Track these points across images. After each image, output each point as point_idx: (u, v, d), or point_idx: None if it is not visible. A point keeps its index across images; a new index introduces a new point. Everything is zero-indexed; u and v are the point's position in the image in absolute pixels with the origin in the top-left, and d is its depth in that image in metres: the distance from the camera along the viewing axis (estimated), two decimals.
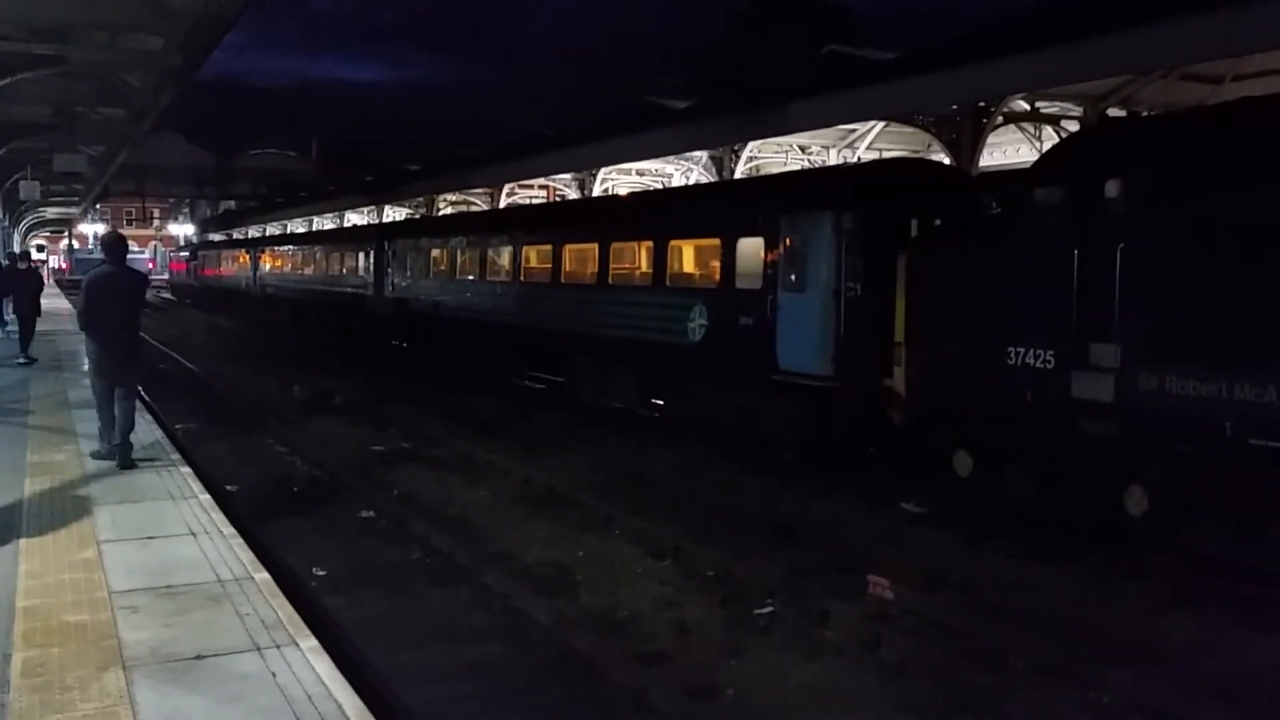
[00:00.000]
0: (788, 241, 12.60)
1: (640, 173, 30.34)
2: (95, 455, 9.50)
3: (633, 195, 25.33)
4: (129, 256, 9.88)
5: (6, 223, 35.19)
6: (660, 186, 29.63)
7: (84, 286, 9.57)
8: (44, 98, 19.44)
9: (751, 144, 23.64)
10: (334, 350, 28.13)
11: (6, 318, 24.64)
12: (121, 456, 9.26)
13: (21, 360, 17.42)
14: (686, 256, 15.72)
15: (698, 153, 25.30)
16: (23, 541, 6.73)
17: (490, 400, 18.35)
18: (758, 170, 25.05)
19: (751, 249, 13.29)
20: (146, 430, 11.39)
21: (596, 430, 15.23)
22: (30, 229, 60.12)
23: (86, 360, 10.25)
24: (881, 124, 22.03)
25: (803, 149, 24.57)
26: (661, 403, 15.54)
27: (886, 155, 22.80)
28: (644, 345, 15.31)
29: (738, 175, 24.25)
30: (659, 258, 15.38)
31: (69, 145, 24.95)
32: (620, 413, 16.20)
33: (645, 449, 13.80)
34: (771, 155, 24.87)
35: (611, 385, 16.58)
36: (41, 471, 8.99)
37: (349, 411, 17.44)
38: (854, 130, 22.87)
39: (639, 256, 16.53)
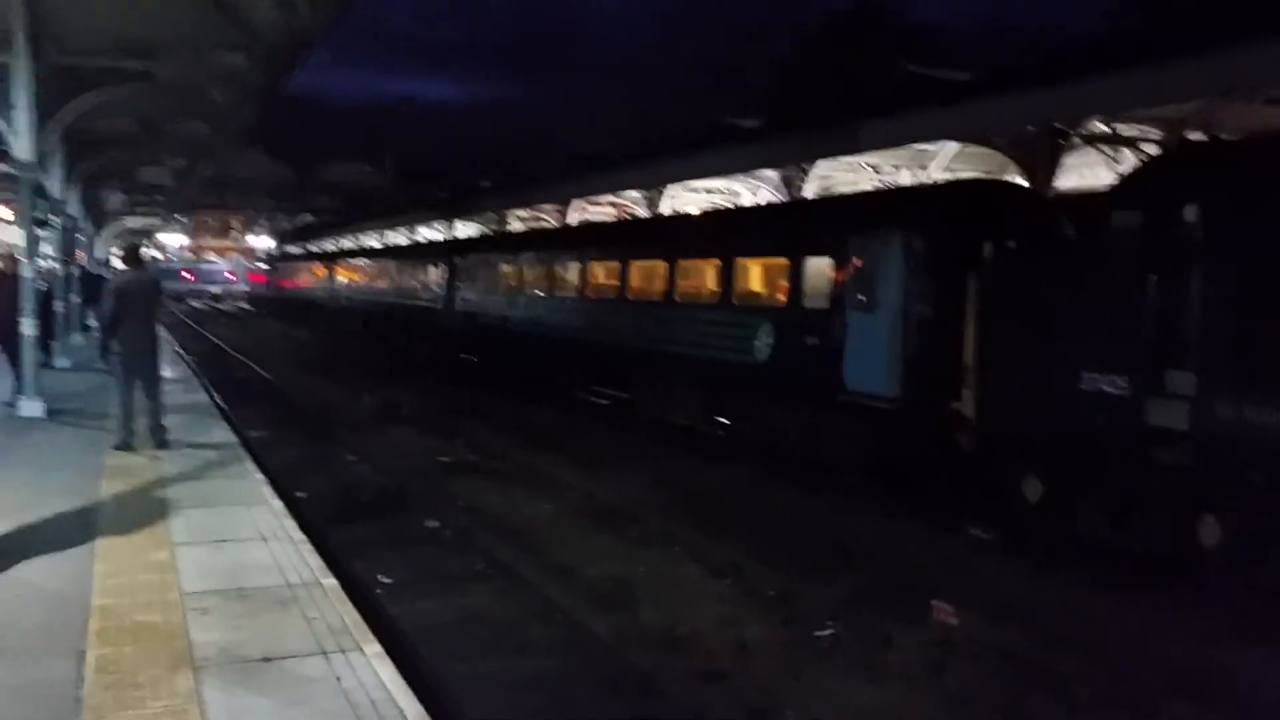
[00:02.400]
0: (857, 261, 12.52)
1: (709, 190, 30.34)
2: (117, 447, 10.44)
3: (701, 213, 25.33)
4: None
5: (90, 232, 36.32)
6: (729, 205, 29.59)
7: (109, 291, 11.02)
8: (131, 111, 20.05)
9: (822, 163, 23.51)
10: (404, 362, 28.55)
11: (89, 323, 25.49)
12: (156, 437, 10.65)
13: (103, 366, 17.90)
14: (754, 275, 15.70)
15: (767, 171, 25.24)
16: (99, 542, 6.95)
17: (555, 414, 18.47)
18: (828, 189, 24.91)
19: (820, 268, 13.24)
20: (221, 436, 11.69)
21: (659, 446, 15.24)
22: (113, 239, 61.97)
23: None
24: (956, 145, 21.76)
25: (875, 168, 24.35)
26: (725, 420, 15.50)
27: (960, 176, 22.50)
28: (709, 363, 15.31)
29: (808, 194, 24.13)
30: (726, 276, 15.38)
31: (153, 158, 25.74)
32: (683, 429, 16.18)
33: (708, 466, 13.77)
34: (842, 174, 24.70)
35: (675, 402, 16.59)
36: (118, 475, 9.28)
37: (417, 422, 17.68)
38: (927, 150, 22.61)
39: (706, 274, 16.55)
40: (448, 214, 44.82)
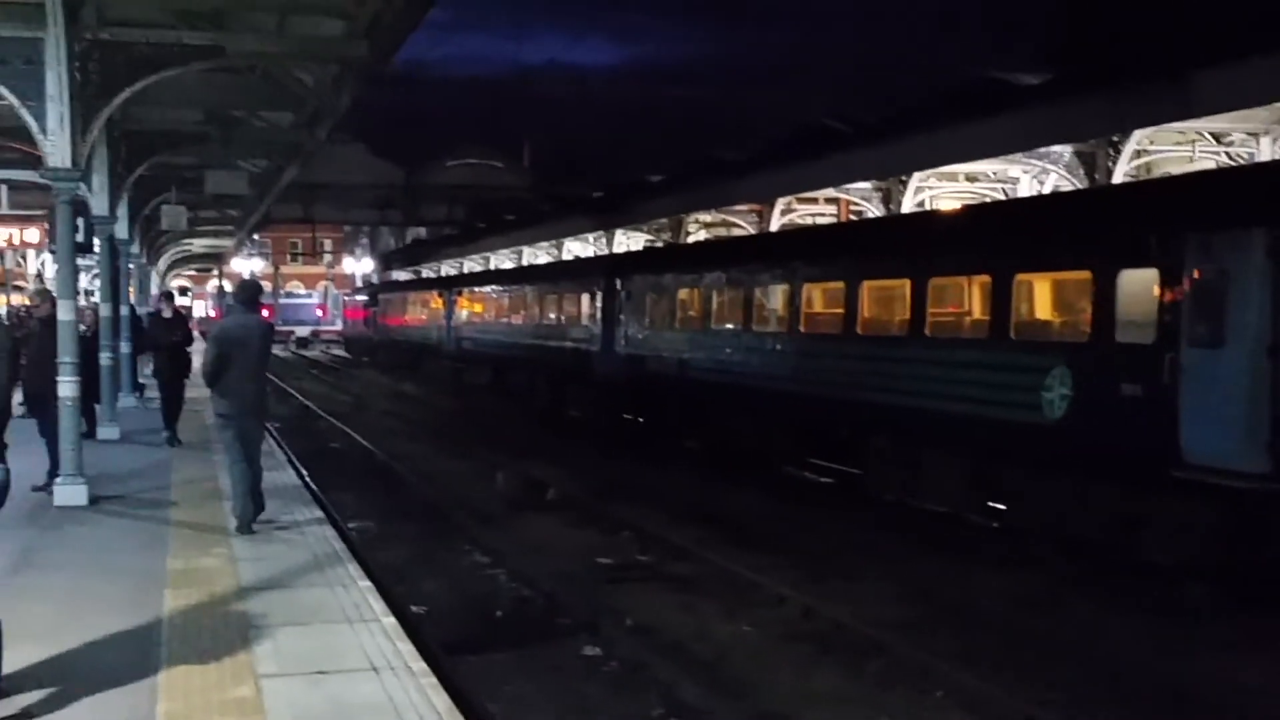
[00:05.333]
0: (1196, 274, 12.13)
1: (971, 178, 29.93)
2: (239, 529, 11.66)
3: (960, 211, 24.98)
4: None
5: (144, 259, 38.63)
6: (1001, 197, 29.11)
7: (212, 338, 12.26)
8: (195, 100, 21.30)
9: (1139, 133, 22.89)
10: (548, 425, 29.13)
11: (143, 380, 27.04)
12: (243, 517, 11.67)
13: (170, 438, 18.88)
14: (1039, 297, 15.44)
15: (1056, 148, 24.74)
16: (164, 674, 7.30)
17: (756, 496, 18.43)
18: (1148, 170, 24.19)
19: (1138, 285, 12.87)
20: (313, 528, 12.19)
21: (904, 542, 15.03)
22: (171, 266, 65.77)
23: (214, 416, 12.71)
24: None
25: (1217, 138, 23.54)
26: (999, 505, 15.17)
27: None
28: (975, 422, 15.03)
29: (1118, 178, 23.50)
30: (998, 299, 15.10)
31: (224, 160, 27.25)
32: (939, 518, 15.94)
33: (976, 571, 13.49)
34: (1169, 149, 23.98)
35: (927, 478, 16.33)
36: (186, 581, 9.77)
37: (568, 509, 17.97)
38: None
39: (969, 297, 16.35)
40: (603, 221, 45.71)
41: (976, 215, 21.76)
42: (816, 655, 10.73)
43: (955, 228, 18.80)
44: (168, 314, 21.22)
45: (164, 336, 20.37)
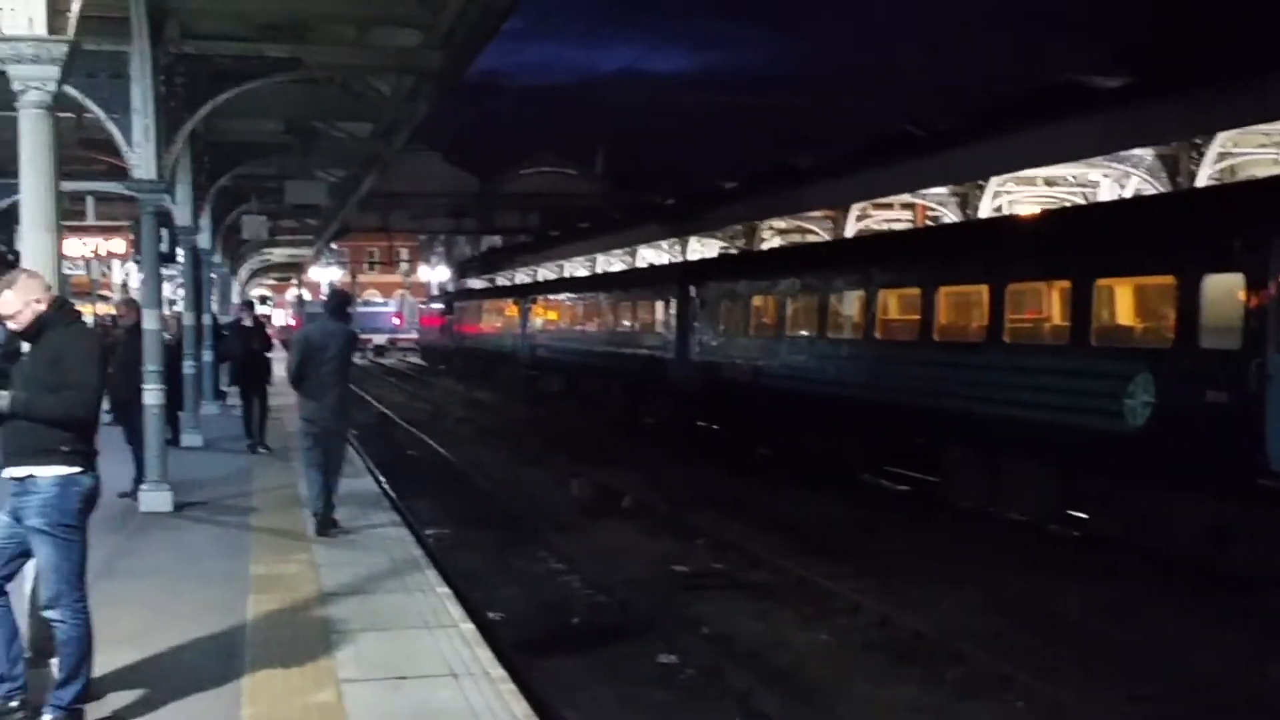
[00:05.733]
0: None
1: (1050, 182, 29.66)
2: (319, 532, 12.17)
3: (1038, 216, 24.74)
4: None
5: (226, 268, 39.20)
6: (1081, 202, 28.82)
7: (296, 340, 12.95)
8: (275, 111, 21.65)
9: (1222, 135, 22.59)
10: (622, 432, 29.18)
11: (224, 388, 27.44)
12: (321, 520, 12.16)
13: (251, 445, 19.21)
14: (1121, 302, 15.30)
15: (1137, 151, 24.46)
16: (247, 679, 7.42)
17: (831, 504, 18.36)
18: (1232, 173, 23.85)
19: (1223, 290, 12.71)
20: (392, 533, 12.33)
21: (983, 551, 14.88)
22: (252, 275, 66.69)
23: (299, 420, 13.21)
24: None
25: None
26: (1081, 514, 15.01)
27: None
28: (1055, 430, 14.90)
29: (1201, 181, 23.19)
30: (1079, 304, 14.97)
31: (303, 170, 27.66)
32: (1019, 526, 15.79)
33: (1058, 581, 13.31)
34: (1254, 151, 23.66)
35: (1006, 487, 16.18)
36: (268, 587, 9.92)
37: (642, 517, 18.00)
38: None
39: (1048, 303, 16.25)
40: (677, 228, 45.76)
41: (1056, 220, 21.57)
42: (894, 664, 10.68)
43: (1034, 232, 18.63)
44: (248, 322, 21.60)
45: (244, 345, 20.74)
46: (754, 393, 23.69)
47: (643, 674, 10.57)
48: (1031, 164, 26.54)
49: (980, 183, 28.99)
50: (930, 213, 34.25)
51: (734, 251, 43.41)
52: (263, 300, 69.73)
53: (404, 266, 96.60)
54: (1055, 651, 10.79)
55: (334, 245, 72.91)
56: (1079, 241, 16.23)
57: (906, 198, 34.48)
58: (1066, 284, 15.44)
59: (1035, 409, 15.26)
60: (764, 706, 9.49)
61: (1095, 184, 28.61)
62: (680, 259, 45.92)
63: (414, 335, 79.23)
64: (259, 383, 20.19)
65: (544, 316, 43.27)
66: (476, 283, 78.13)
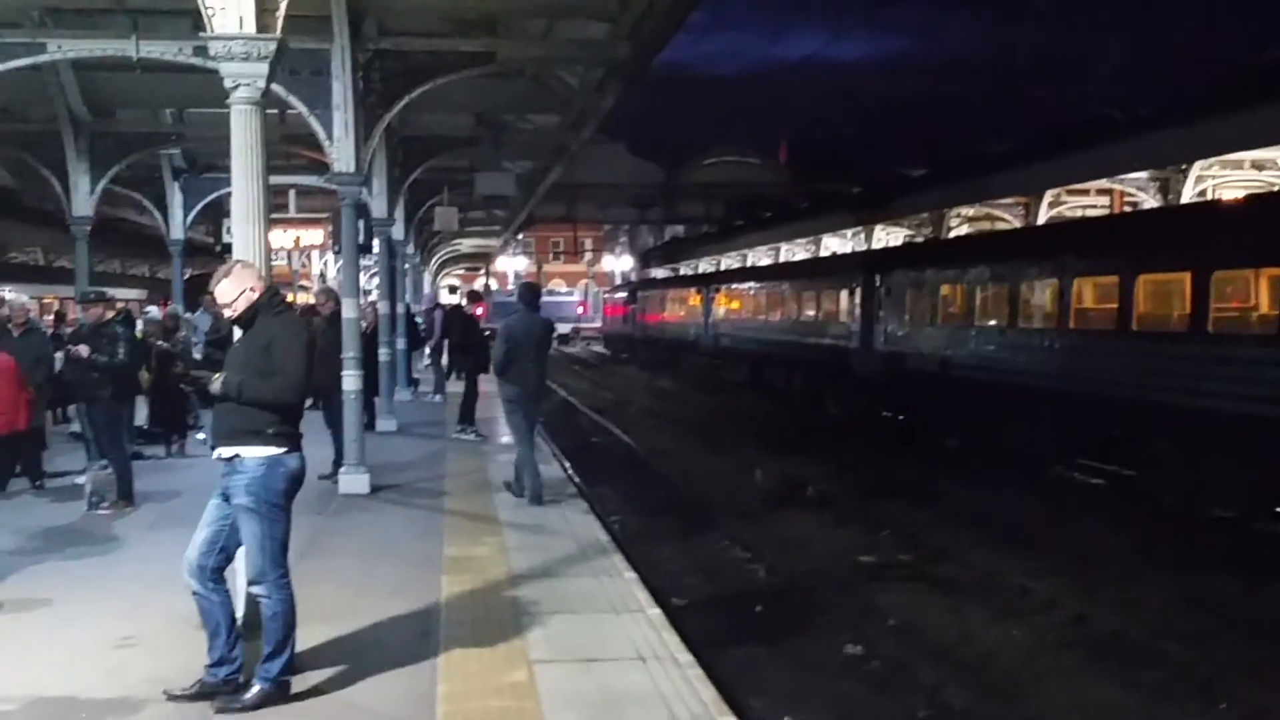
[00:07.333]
0: None
1: (1259, 166, 28.58)
2: (514, 492, 13.53)
3: (1245, 200, 23.82)
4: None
5: (418, 259, 40.12)
6: None
7: (503, 332, 13.77)
8: (466, 104, 22.11)
9: None
10: (806, 422, 29.07)
11: (417, 375, 28.17)
12: (533, 490, 13.31)
13: (461, 431, 19.57)
14: None
15: None
16: (443, 657, 7.62)
17: (1022, 497, 17.98)
18: None
19: None
20: (579, 520, 12.52)
21: (1185, 549, 14.44)
22: (441, 265, 68.23)
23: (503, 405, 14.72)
24: None
25: None
26: None
27: None
28: (1264, 424, 14.39)
29: None
30: None
31: (493, 162, 28.16)
32: (1226, 523, 15.31)
33: (1263, 580, 12.83)
34: None
35: (1211, 481, 15.69)
36: (461, 569, 10.17)
37: (827, 507, 17.91)
38: None
39: (1257, 291, 15.76)
40: (862, 216, 45.35)
41: (1263, 204, 20.79)
42: (1090, 663, 10.45)
43: (1241, 218, 17.98)
44: (468, 311, 22.15)
45: (468, 333, 21.34)
46: (941, 383, 23.37)
47: (828, 664, 10.57)
48: (1238, 147, 25.61)
49: (1183, 167, 28.09)
50: (1129, 198, 33.31)
51: (920, 240, 42.85)
52: (451, 290, 71.27)
53: (588, 256, 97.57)
54: (1261, 652, 10.43)
55: (520, 236, 74.10)
56: None
57: (1103, 183, 33.60)
58: (1277, 272, 15.02)
59: (1242, 401, 14.84)
60: (954, 702, 9.40)
61: None
62: (865, 248, 45.48)
63: (598, 324, 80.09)
64: (478, 370, 20.22)
65: (726, 305, 43.31)
66: (659, 272, 78.56)
